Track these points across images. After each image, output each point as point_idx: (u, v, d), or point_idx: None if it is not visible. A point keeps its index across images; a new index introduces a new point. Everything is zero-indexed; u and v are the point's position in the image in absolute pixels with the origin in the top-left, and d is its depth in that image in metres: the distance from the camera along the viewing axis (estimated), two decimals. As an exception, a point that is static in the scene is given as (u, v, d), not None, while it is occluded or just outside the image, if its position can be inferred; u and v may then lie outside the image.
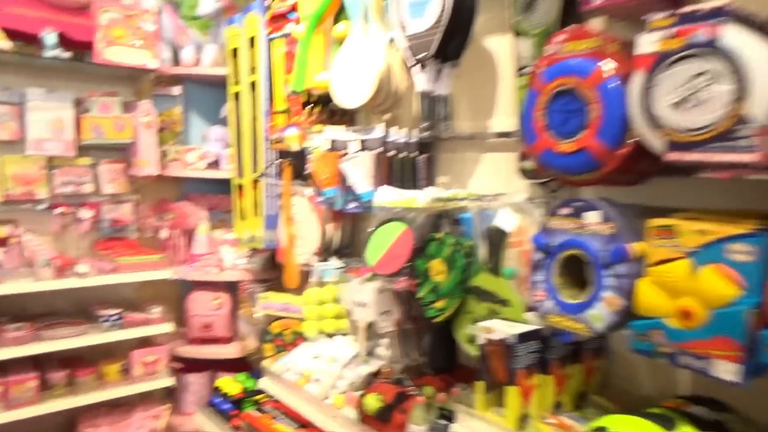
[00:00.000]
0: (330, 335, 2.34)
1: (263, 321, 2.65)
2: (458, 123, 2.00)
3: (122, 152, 3.04)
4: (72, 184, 2.89)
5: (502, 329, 1.46)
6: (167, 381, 2.84)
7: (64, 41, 2.67)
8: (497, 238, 1.61)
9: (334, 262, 2.36)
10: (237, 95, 2.84)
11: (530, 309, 1.46)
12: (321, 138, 2.24)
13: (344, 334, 2.30)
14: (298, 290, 2.53)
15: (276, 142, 2.57)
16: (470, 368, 1.85)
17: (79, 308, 2.89)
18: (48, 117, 2.77)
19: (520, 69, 1.65)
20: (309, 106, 2.39)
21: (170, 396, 3.02)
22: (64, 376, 2.63)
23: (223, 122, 3.08)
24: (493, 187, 1.85)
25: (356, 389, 1.99)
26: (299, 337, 2.50)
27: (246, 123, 2.77)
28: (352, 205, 2.16)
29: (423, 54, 1.81)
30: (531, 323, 1.46)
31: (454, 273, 1.68)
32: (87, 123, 2.80)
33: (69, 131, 2.82)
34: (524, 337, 1.42)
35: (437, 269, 1.74)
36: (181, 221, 3.12)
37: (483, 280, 1.65)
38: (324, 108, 2.38)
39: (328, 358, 2.17)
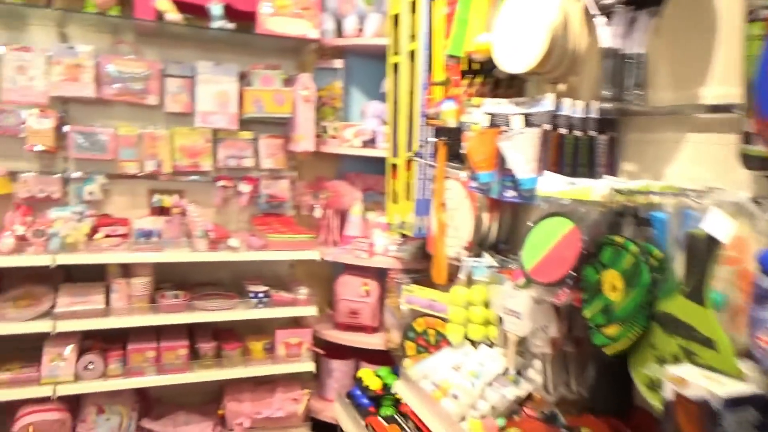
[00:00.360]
0: (476, 343, 2.02)
1: (408, 315, 2.40)
2: (655, 93, 1.53)
3: (282, 127, 2.98)
4: (234, 158, 2.90)
5: (700, 383, 1.02)
6: (308, 366, 2.74)
7: (230, 12, 2.64)
8: (703, 250, 1.16)
9: (487, 259, 2.03)
10: (396, 67, 2.60)
11: (747, 358, 1.00)
12: (479, 112, 1.90)
13: (492, 345, 1.96)
14: (446, 286, 2.23)
15: (432, 118, 2.28)
16: (649, 415, 1.40)
17: (234, 280, 2.92)
18: (215, 90, 2.78)
19: (751, 12, 1.16)
20: (469, 76, 2.06)
21: (313, 379, 2.93)
22: (213, 347, 2.65)
23: (383, 98, 2.87)
24: (701, 178, 1.37)
25: (498, 415, 1.65)
26: (443, 340, 2.21)
27: (403, 97, 2.52)
28: (509, 194, 1.80)
29: (611, -1, 1.38)
30: (747, 380, 1.00)
31: (635, 291, 1.26)
32: (249, 96, 2.77)
33: (233, 104, 2.81)
34: (736, 402, 0.97)
35: (612, 284, 1.32)
36: (336, 201, 2.99)
37: (677, 307, 1.20)
38: (486, 78, 2.03)
39: (471, 371, 1.85)
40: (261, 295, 2.66)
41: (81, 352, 2.48)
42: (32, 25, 2.63)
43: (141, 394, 2.70)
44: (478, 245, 2.11)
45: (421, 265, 2.68)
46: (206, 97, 2.78)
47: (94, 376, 2.45)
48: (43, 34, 2.64)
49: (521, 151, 1.72)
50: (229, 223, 3.01)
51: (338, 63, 2.99)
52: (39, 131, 2.55)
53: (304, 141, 2.83)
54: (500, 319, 1.81)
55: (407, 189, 2.54)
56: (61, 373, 2.40)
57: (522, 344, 1.77)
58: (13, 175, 2.62)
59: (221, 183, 2.90)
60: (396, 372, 2.61)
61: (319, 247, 2.79)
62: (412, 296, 2.35)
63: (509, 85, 2.09)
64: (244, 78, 2.85)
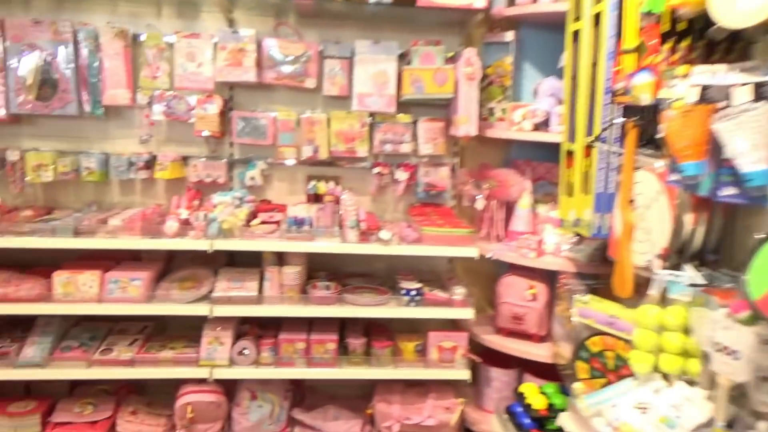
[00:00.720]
0: (669, 378, 1.60)
1: (581, 330, 2.03)
2: None
3: (443, 109, 2.73)
4: (391, 143, 2.71)
5: None
6: (462, 373, 2.49)
7: (389, -15, 2.44)
8: None
9: (689, 273, 1.59)
10: (576, 35, 2.19)
11: None
12: (685, 85, 1.46)
13: (691, 383, 1.53)
14: (632, 301, 1.82)
15: (620, 94, 1.87)
16: None
17: (389, 272, 2.76)
18: (372, 70, 2.62)
19: None
20: (672, 39, 1.62)
21: (469, 386, 2.67)
22: (363, 344, 2.51)
23: (560, 74, 2.46)
24: None
25: (700, 487, 1.25)
26: (624, 366, 1.81)
27: (584, 70, 2.11)
28: (727, 191, 1.35)
29: None
30: None
31: None
32: (408, 76, 2.55)
33: (391, 85, 2.63)
34: None
35: None
36: (501, 191, 2.66)
37: None
38: (696, 40, 1.58)
39: (662, 417, 1.46)
40: (413, 292, 2.45)
41: (237, 337, 2.49)
42: (203, 12, 2.68)
43: (294, 381, 2.66)
44: (677, 254, 1.67)
45: (598, 270, 2.27)
46: (363, 78, 2.62)
47: (247, 363, 2.44)
48: (211, 21, 2.67)
49: (747, 134, 1.28)
50: (385, 212, 2.85)
51: (509, 36, 2.64)
52: (205, 117, 2.59)
53: (466, 124, 2.55)
54: (706, 355, 1.39)
55: (585, 180, 2.14)
56: (217, 356, 2.42)
57: (737, 391, 1.33)
58: (185, 160, 2.71)
59: (377, 170, 2.73)
60: (565, 391, 2.25)
61: (479, 243, 2.50)
62: (587, 309, 1.97)
63: (727, 49, 1.61)
64: (403, 57, 2.64)
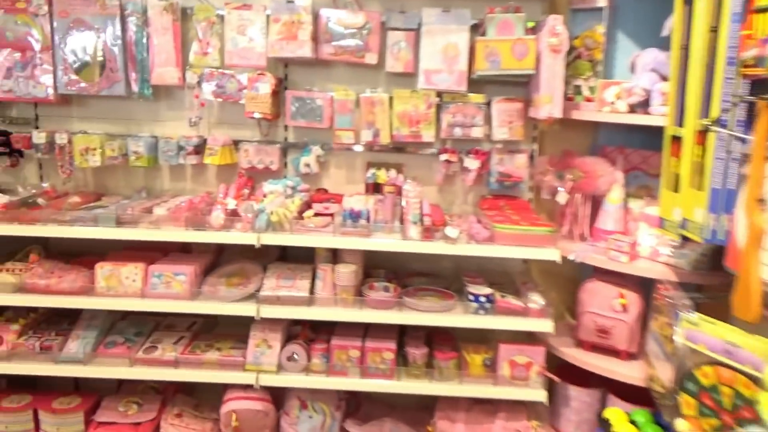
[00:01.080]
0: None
1: (686, 354, 1.67)
2: None
3: (522, 88, 2.39)
4: (461, 126, 2.40)
5: None
6: (538, 394, 2.17)
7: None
8: None
9: None
10: (690, -5, 1.80)
11: None
12: None
13: None
14: (758, 327, 1.46)
15: (749, 65, 1.48)
16: None
17: (455, 272, 2.47)
18: (441, 43, 2.31)
19: None
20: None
21: (545, 405, 2.34)
22: (424, 354, 2.23)
23: (664, 44, 2.06)
24: None
25: None
26: (745, 408, 1.45)
27: (699, 37, 1.72)
28: None
29: None
30: None
31: None
32: (482, 48, 2.23)
33: (462, 60, 2.31)
34: None
35: None
36: (588, 183, 2.29)
37: None
38: None
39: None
40: (483, 299, 2.15)
41: (287, 339, 2.28)
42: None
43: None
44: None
45: (705, 280, 1.89)
46: (431, 52, 2.32)
47: (296, 369, 2.23)
48: (265, -10, 2.44)
49: None
50: (452, 204, 2.56)
51: (601, 0, 2.26)
52: (257, 97, 2.37)
53: (549, 105, 2.20)
54: None
55: (697, 172, 1.76)
56: (264, 361, 2.22)
57: None
58: (236, 144, 2.52)
59: (444, 157, 2.43)
60: (660, 422, 1.91)
61: (561, 243, 2.16)
62: (696, 331, 1.61)
63: None
64: (477, 28, 2.31)
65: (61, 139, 2.45)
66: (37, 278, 2.23)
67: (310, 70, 2.49)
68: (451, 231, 2.09)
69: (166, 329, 2.46)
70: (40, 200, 2.36)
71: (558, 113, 2.19)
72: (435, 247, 2.11)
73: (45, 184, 2.58)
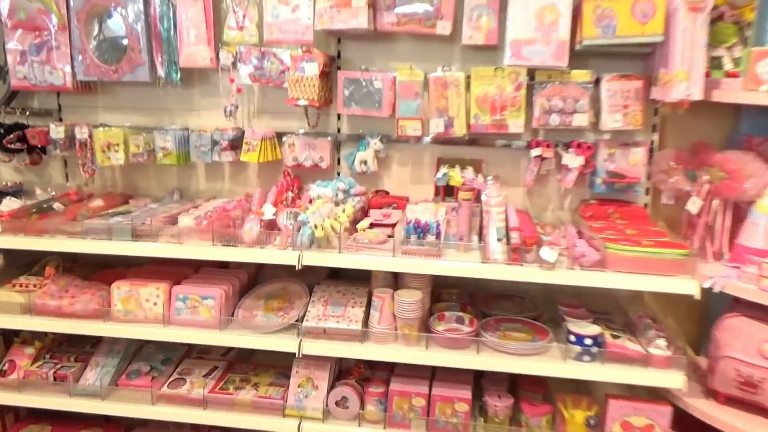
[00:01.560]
0: None
1: None
2: None
3: (641, 61, 1.83)
4: (559, 113, 1.87)
5: None
6: (663, 472, 1.64)
7: None
8: None
9: None
10: None
11: None
12: None
13: None
14: None
15: None
16: None
17: (546, 295, 1.97)
18: (535, 5, 1.77)
19: None
20: None
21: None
22: (508, 407, 1.75)
23: None
24: None
25: None
26: None
27: None
28: None
29: None
30: None
31: None
32: (590, 10, 1.68)
33: (563, 26, 1.77)
34: None
35: None
36: (731, 186, 1.71)
37: None
38: None
39: None
40: (589, 342, 1.63)
41: (336, 377, 1.86)
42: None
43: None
44: None
45: None
46: (522, 17, 1.79)
47: (347, 417, 1.80)
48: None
49: None
50: (544, 211, 2.05)
51: (760, -62, 1.66)
52: (302, 80, 1.94)
53: (685, 83, 1.63)
54: None
55: None
56: (308, 405, 1.81)
57: None
58: (279, 138, 2.10)
59: (536, 152, 1.91)
60: None
61: (696, 268, 1.60)
62: None
63: None
64: (584, -18, 1.77)
65: (81, 133, 2.11)
66: (48, 298, 1.91)
67: (367, 46, 2.03)
68: (548, 253, 1.58)
69: (199, 356, 2.10)
70: (56, 205, 2.04)
71: (698, 94, 1.63)
72: (526, 274, 1.60)
73: (69, 185, 2.27)
